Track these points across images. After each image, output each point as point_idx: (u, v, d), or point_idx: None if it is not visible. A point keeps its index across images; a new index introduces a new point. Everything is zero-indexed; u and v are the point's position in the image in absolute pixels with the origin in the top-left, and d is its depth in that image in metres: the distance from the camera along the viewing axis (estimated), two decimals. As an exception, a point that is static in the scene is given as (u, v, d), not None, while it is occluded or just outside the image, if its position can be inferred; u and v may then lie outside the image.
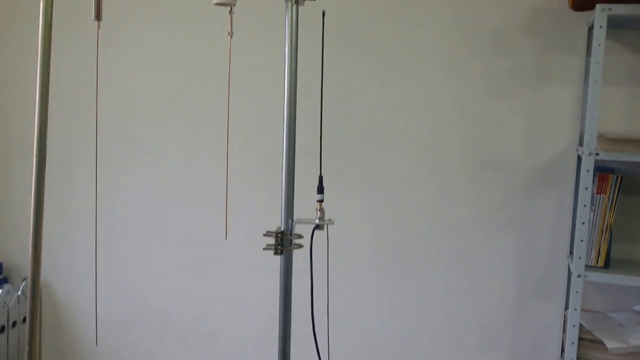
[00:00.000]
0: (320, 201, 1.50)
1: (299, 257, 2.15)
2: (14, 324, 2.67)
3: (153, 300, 2.60)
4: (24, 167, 2.78)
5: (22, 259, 2.84)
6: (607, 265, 1.83)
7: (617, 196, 1.81)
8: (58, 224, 2.72)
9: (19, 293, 2.67)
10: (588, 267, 1.82)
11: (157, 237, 2.57)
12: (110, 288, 2.67)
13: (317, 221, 1.49)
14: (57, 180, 2.70)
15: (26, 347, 1.55)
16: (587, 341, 1.84)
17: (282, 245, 1.49)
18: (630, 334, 1.85)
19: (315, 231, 1.51)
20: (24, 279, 2.76)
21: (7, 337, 2.64)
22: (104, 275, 2.67)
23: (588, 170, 1.75)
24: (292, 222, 1.49)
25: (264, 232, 1.50)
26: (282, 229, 1.49)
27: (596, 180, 1.81)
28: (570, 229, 2.06)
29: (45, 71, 1.50)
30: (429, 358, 2.24)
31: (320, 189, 1.50)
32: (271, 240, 1.49)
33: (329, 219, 1.50)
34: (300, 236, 1.50)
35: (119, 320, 2.66)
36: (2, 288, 2.61)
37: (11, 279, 2.86)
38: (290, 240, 1.49)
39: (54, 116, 2.67)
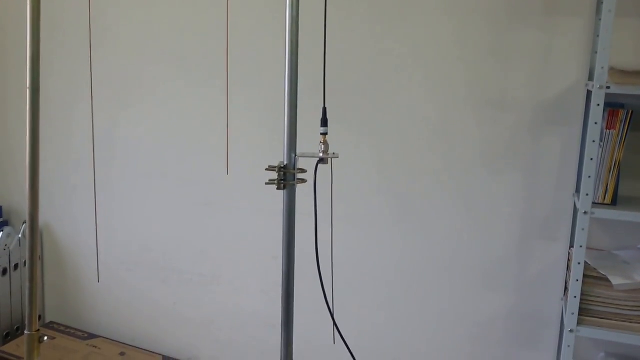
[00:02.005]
0: (324, 134, 1.46)
1: (302, 200, 2.13)
2: (16, 266, 2.67)
3: (154, 241, 2.59)
4: (22, 109, 2.73)
5: (21, 202, 2.82)
6: (614, 203, 1.80)
7: (626, 132, 1.77)
8: (57, 166, 2.69)
9: (20, 236, 2.66)
10: (595, 204, 1.80)
11: (158, 177, 2.54)
12: (111, 229, 2.65)
13: (321, 155, 1.45)
14: (56, 123, 2.65)
15: (27, 284, 1.54)
16: (591, 278, 1.82)
17: (285, 180, 1.45)
18: (636, 271, 1.83)
19: (319, 166, 1.48)
20: (24, 222, 2.75)
21: (10, 279, 2.64)
22: (105, 217, 2.65)
23: (598, 105, 1.70)
24: (295, 156, 1.45)
25: (266, 167, 1.46)
26: (285, 163, 1.45)
27: (606, 115, 1.77)
28: (577, 167, 2.02)
29: (36, 4, 1.45)
30: (432, 296, 2.25)
31: (324, 122, 1.46)
32: (274, 175, 1.46)
33: (333, 153, 1.46)
34: (303, 170, 1.47)
35: (120, 262, 2.66)
36: (2, 231, 2.60)
37: (12, 222, 2.85)
38: (294, 175, 1.46)
39: (51, 58, 2.60)
